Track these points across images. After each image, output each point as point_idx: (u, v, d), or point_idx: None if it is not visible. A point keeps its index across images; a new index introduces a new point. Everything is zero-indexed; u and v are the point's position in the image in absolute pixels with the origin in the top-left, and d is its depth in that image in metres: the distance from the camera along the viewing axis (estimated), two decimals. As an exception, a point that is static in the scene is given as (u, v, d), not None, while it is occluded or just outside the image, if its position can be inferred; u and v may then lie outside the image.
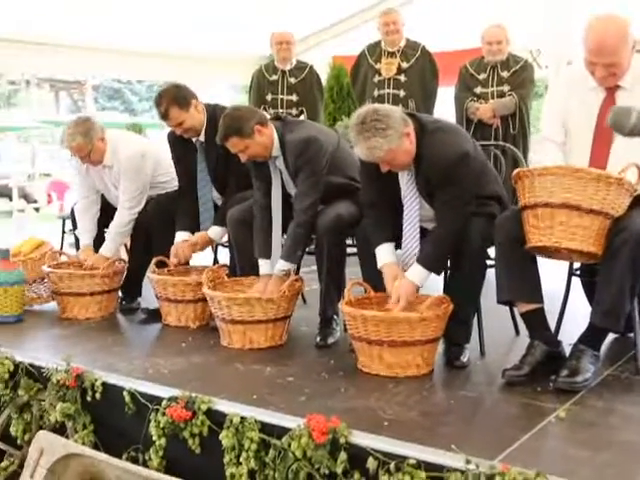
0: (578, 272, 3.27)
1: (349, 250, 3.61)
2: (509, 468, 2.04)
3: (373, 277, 3.25)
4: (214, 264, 4.24)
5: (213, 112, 3.84)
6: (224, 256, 4.32)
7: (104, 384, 3.02)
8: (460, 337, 3.14)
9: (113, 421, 3.03)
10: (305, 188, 3.43)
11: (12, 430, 3.29)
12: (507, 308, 3.36)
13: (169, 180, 4.20)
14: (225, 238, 3.95)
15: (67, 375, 3.08)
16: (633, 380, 2.88)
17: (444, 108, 6.13)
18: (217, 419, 2.67)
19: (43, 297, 4.33)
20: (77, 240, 4.39)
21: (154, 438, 2.79)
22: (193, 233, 3.99)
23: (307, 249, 3.65)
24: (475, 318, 3.21)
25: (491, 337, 3.29)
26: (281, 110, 6.05)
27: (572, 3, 6.15)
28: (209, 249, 4.31)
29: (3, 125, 19.96)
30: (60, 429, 3.12)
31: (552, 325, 3.05)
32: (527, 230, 2.82)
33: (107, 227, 4.27)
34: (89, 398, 3.04)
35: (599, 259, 2.77)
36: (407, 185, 3.13)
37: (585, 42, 2.83)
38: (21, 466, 3.06)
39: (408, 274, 3.05)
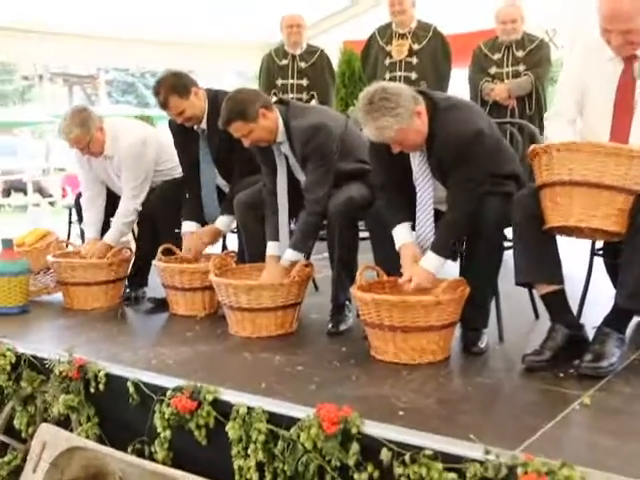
0: (600, 252, 3.12)
1: (361, 235, 3.48)
2: (532, 458, 1.90)
3: (386, 261, 3.13)
4: (222, 251, 4.12)
5: (214, 98, 3.69)
6: (233, 242, 4.20)
7: (107, 375, 2.92)
8: (477, 322, 3.01)
9: (118, 413, 2.92)
10: (316, 177, 3.30)
11: (16, 423, 3.21)
12: (526, 291, 3.24)
13: (174, 166, 4.07)
14: (234, 224, 3.82)
15: (70, 366, 2.97)
16: (661, 364, 2.74)
17: (458, 90, 5.97)
18: (224, 409, 2.55)
19: (50, 287, 4.24)
20: (83, 232, 4.28)
21: (159, 430, 2.69)
22: (200, 223, 3.87)
23: (318, 236, 3.52)
24: (493, 302, 3.08)
25: (509, 321, 3.16)
26: (291, 95, 5.90)
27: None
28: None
29: (18, 120, 19.95)
30: (65, 422, 3.02)
31: (574, 308, 2.91)
32: (545, 209, 2.68)
33: (113, 217, 4.15)
34: (92, 389, 2.93)
35: (622, 237, 2.62)
36: (419, 166, 2.99)
37: (599, 9, 2.68)
38: (25, 460, 2.96)
39: (422, 262, 2.93)
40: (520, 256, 2.81)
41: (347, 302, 3.39)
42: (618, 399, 2.41)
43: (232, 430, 2.49)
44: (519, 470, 1.89)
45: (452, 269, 3.15)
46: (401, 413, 2.34)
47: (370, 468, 2.18)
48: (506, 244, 3.00)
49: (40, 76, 12.70)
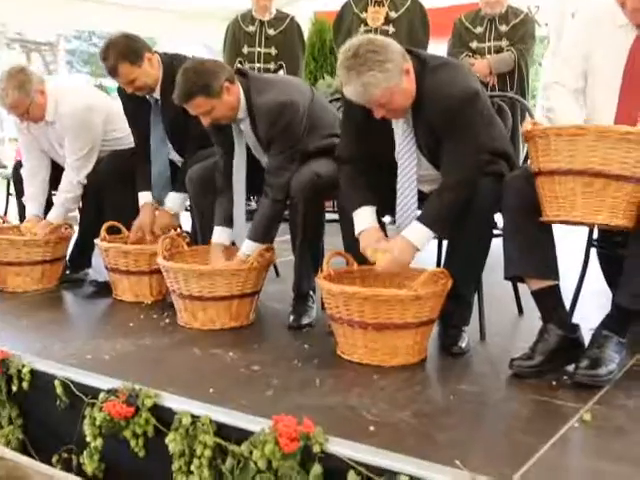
0: (598, 243, 2.78)
1: (328, 217, 3.11)
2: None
3: (356, 247, 2.76)
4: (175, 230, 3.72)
5: (170, 65, 3.26)
6: (186, 222, 3.80)
7: (32, 371, 2.53)
8: (459, 318, 2.67)
9: (44, 416, 2.55)
10: (280, 162, 2.93)
11: None
12: (508, 283, 2.88)
13: (125, 136, 3.62)
14: (187, 202, 3.41)
15: (-12, 360, 2.58)
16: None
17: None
18: (165, 417, 2.20)
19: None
20: (22, 208, 3.82)
21: (88, 439, 2.31)
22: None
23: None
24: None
25: (491, 317, 2.83)
26: (258, 65, 5.47)
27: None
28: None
29: None
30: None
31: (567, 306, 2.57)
32: (542, 200, 2.33)
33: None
34: (15, 388, 2.54)
35: (631, 230, 2.29)
36: (403, 137, 2.61)
37: None
38: None
39: (405, 233, 2.53)
40: (511, 246, 2.46)
41: (311, 292, 3.03)
42: (621, 415, 2.08)
43: (173, 442, 2.13)
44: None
45: (428, 257, 2.82)
46: (372, 428, 1.98)
47: (335, 495, 1.83)
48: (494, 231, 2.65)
49: (-6, 41, 12.15)
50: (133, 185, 3.46)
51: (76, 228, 3.76)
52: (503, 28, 5.05)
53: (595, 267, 2.84)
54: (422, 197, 2.67)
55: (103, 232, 3.38)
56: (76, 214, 3.84)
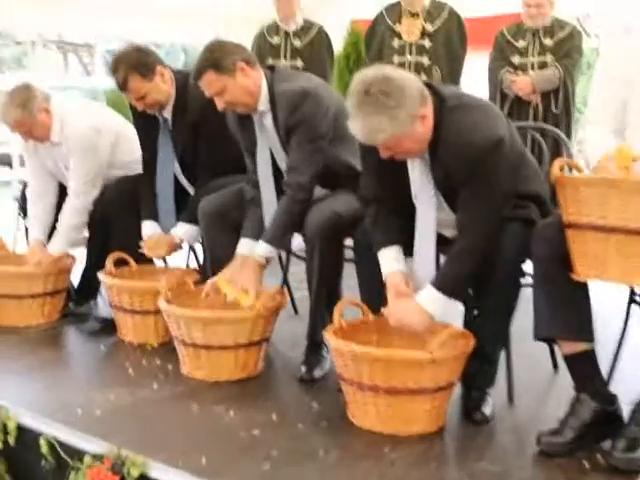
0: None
1: (348, 254, 2.87)
2: None
3: (373, 294, 2.53)
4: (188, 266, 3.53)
5: (184, 82, 3.06)
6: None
7: (19, 427, 2.36)
8: (483, 380, 2.41)
9: (32, 475, 2.36)
10: (302, 155, 2.69)
11: None
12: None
13: (135, 159, 3.42)
14: (196, 234, 3.20)
15: (-25, 411, 2.41)
16: None
17: (475, 80, 5.32)
18: (151, 489, 2.00)
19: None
20: (27, 230, 3.66)
21: (70, 509, 2.13)
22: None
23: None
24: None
25: (520, 375, 2.56)
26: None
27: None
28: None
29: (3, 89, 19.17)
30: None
31: (603, 371, 2.29)
32: (573, 254, 2.08)
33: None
34: (1, 443, 2.37)
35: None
36: (420, 178, 2.37)
37: None
38: None
39: (419, 298, 2.32)
40: (541, 302, 2.20)
41: (325, 341, 2.80)
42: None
43: (156, 523, 1.93)
44: None
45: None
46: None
47: None
48: (523, 280, 2.39)
49: (33, 42, 12.08)
50: None
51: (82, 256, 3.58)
52: (548, 42, 4.74)
53: (637, 326, 2.55)
54: (444, 242, 2.43)
55: (109, 264, 3.19)
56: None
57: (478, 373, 2.39)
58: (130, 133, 3.42)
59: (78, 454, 2.18)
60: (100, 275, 3.17)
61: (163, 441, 2.20)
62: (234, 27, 7.93)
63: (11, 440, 2.36)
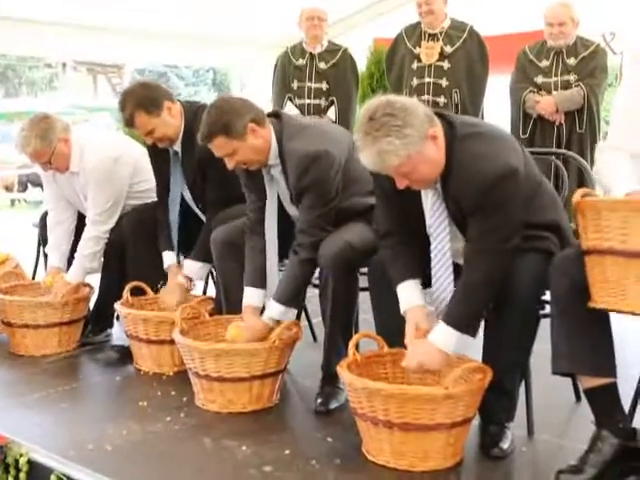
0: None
1: (363, 284, 2.83)
2: None
3: (388, 327, 2.51)
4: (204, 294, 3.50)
5: (193, 116, 3.05)
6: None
7: (30, 462, 2.33)
8: (501, 414, 2.35)
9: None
10: (313, 218, 2.68)
11: None
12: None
13: (150, 188, 3.43)
14: (204, 272, 3.22)
15: (-14, 446, 2.40)
16: None
17: (498, 101, 5.25)
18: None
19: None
20: (47, 257, 3.66)
21: None
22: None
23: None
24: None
25: (541, 406, 2.49)
26: (308, 100, 5.20)
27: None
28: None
29: (28, 111, 19.37)
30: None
31: (625, 406, 2.22)
32: (592, 283, 2.02)
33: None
34: (11, 479, 2.35)
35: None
36: (433, 209, 2.33)
37: None
38: None
39: (432, 337, 2.26)
40: (558, 336, 2.15)
41: (342, 371, 2.75)
42: None
43: None
44: None
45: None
46: None
47: None
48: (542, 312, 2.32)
49: (64, 64, 12.23)
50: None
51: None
52: (571, 61, 4.67)
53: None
54: (460, 271, 2.38)
55: (126, 293, 3.18)
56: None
57: (496, 407, 2.33)
58: (147, 163, 3.41)
59: (86, 492, 2.15)
60: (116, 305, 3.16)
61: (172, 479, 2.16)
62: (260, 50, 7.96)
63: (22, 476, 2.34)
